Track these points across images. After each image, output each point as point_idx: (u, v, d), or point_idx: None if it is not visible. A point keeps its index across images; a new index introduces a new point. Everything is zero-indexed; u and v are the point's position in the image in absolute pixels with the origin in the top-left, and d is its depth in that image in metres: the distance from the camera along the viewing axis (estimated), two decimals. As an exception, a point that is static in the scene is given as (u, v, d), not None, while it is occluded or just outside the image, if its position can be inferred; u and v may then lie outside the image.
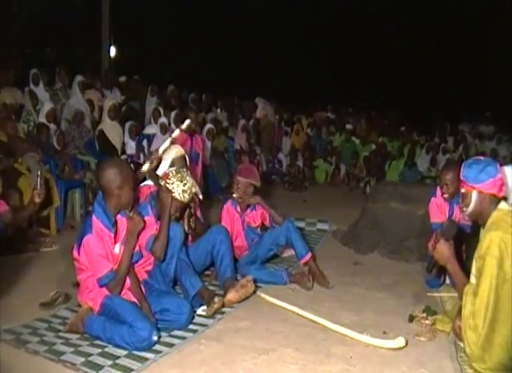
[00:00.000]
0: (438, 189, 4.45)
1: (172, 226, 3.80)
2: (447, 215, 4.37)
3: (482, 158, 3.05)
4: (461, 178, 2.96)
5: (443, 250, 3.04)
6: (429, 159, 10.66)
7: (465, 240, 4.00)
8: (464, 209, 2.97)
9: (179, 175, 3.79)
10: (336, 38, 16.89)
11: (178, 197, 3.74)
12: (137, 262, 3.54)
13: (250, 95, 12.23)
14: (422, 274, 4.57)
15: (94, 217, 3.23)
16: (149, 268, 3.77)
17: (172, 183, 3.74)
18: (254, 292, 4.01)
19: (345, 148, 11.38)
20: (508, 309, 2.70)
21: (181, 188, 3.74)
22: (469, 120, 13.87)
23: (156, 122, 7.89)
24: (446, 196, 4.33)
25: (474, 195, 2.90)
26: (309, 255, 4.48)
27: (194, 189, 3.89)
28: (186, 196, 3.78)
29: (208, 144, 8.46)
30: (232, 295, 3.79)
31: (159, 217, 3.77)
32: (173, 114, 8.06)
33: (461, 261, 3.09)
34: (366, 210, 6.01)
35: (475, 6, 15.53)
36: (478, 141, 12.66)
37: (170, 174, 3.80)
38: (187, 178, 3.82)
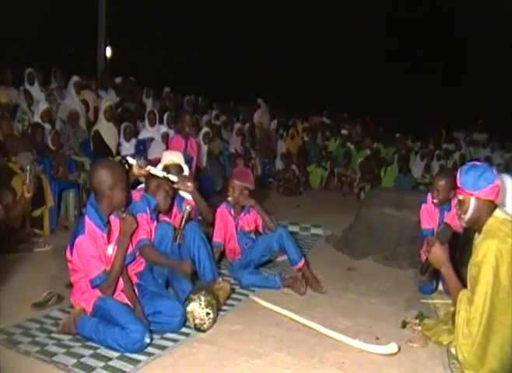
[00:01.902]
0: (429, 195, 4.45)
1: (163, 225, 3.82)
2: (438, 222, 4.36)
3: (478, 163, 3.02)
4: (459, 184, 2.94)
5: (438, 253, 3.03)
6: (424, 166, 10.69)
7: (459, 246, 4.01)
8: (462, 216, 2.95)
9: (207, 307, 3.48)
10: (333, 43, 16.94)
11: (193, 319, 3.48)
12: (130, 263, 3.53)
13: (246, 99, 12.23)
14: (416, 280, 4.58)
15: (87, 218, 3.22)
16: (140, 269, 3.75)
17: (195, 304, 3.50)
18: (233, 289, 4.02)
19: (340, 154, 11.39)
20: (502, 318, 2.71)
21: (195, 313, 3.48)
22: (463, 127, 13.95)
23: (151, 125, 7.88)
24: (435, 201, 4.32)
25: (472, 202, 2.88)
26: (302, 261, 4.48)
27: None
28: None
29: (205, 147, 8.44)
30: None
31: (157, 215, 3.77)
32: (165, 116, 8.07)
33: (455, 266, 3.08)
34: (360, 215, 6.02)
35: (472, 13, 15.61)
36: (473, 148, 12.73)
37: (203, 297, 3.49)
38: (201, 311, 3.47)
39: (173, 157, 4.69)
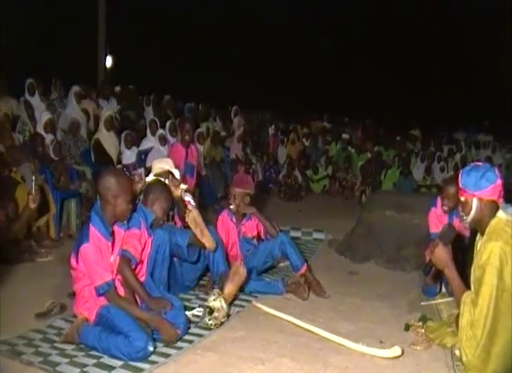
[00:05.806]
0: (439, 199, 4.46)
1: (157, 232, 3.82)
2: None
3: (479, 164, 3.02)
4: (460, 186, 2.94)
5: (442, 254, 3.02)
6: (424, 168, 10.68)
7: (463, 248, 4.00)
8: (465, 217, 2.95)
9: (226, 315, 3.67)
10: (333, 47, 16.97)
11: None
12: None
13: (247, 105, 12.21)
14: (418, 283, 4.59)
15: (91, 227, 3.25)
16: (141, 279, 3.74)
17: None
18: (248, 280, 4.11)
19: (341, 158, 11.37)
20: (506, 319, 2.70)
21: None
22: (467, 129, 13.95)
23: (152, 134, 7.88)
24: (445, 208, 4.35)
25: (474, 202, 2.88)
26: (304, 267, 4.49)
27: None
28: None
29: (200, 148, 8.35)
30: (229, 288, 3.81)
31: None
32: (168, 124, 8.08)
33: (459, 268, 3.07)
34: (361, 219, 6.01)
35: (475, 12, 15.59)
36: (474, 149, 12.71)
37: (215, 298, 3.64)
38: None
39: (162, 165, 4.73)
